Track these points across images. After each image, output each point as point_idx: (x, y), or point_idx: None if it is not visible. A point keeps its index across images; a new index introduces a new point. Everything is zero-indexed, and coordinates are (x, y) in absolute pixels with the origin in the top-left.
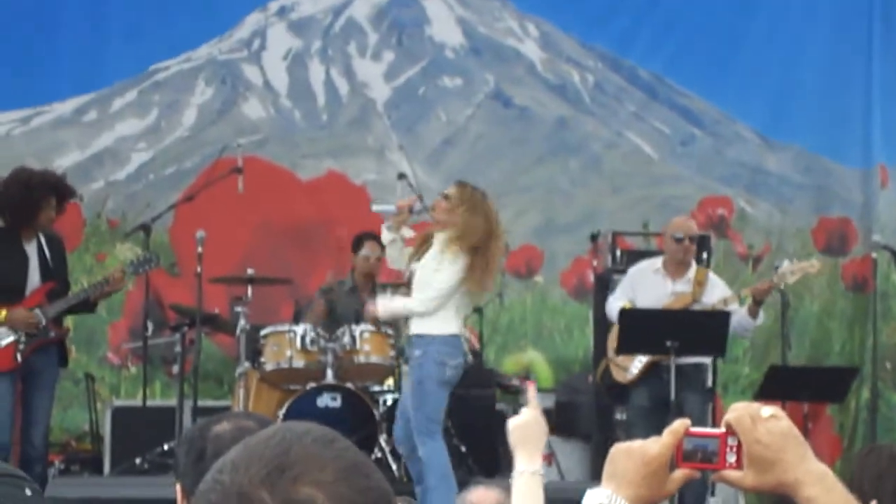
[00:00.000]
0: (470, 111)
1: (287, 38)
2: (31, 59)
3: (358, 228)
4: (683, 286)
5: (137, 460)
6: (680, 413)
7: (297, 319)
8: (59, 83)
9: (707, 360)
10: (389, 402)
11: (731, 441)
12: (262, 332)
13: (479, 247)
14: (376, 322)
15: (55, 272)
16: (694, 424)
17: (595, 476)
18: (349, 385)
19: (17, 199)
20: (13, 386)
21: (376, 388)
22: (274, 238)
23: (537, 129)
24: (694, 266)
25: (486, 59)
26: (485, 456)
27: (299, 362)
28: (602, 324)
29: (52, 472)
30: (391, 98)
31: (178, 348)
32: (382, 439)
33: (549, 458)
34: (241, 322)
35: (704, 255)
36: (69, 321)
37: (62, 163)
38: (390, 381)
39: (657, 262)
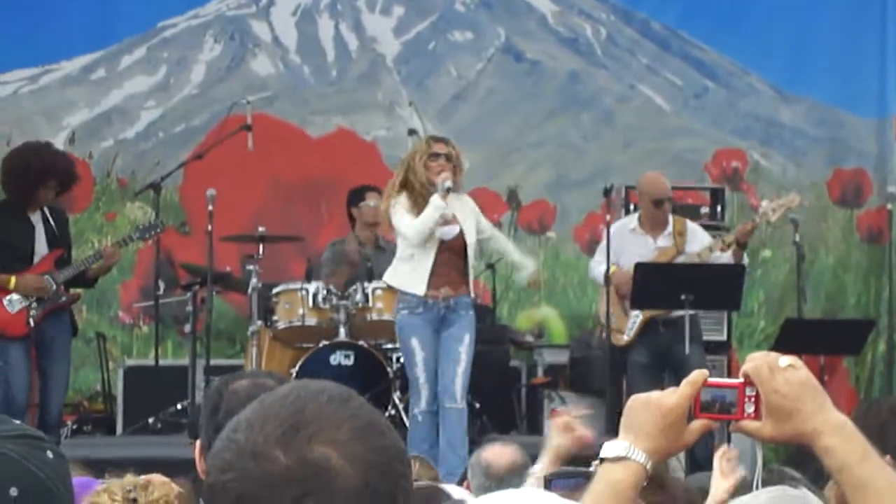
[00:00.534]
0: (480, 65)
1: None
2: (38, 18)
3: (368, 183)
4: (665, 240)
5: (150, 420)
6: (681, 366)
7: (308, 277)
8: (68, 41)
9: (698, 311)
10: (402, 360)
11: (748, 391)
12: (274, 291)
13: None
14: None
15: (61, 240)
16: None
17: (610, 431)
18: (362, 342)
19: (15, 180)
20: (27, 351)
21: (389, 346)
22: (284, 195)
23: (549, 83)
24: (671, 218)
25: (496, 13)
26: (499, 413)
27: (311, 320)
28: None
29: (64, 432)
30: (401, 53)
31: (189, 307)
32: (396, 396)
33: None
34: (253, 280)
35: (719, 209)
36: None
37: (71, 121)
38: None
39: (632, 220)
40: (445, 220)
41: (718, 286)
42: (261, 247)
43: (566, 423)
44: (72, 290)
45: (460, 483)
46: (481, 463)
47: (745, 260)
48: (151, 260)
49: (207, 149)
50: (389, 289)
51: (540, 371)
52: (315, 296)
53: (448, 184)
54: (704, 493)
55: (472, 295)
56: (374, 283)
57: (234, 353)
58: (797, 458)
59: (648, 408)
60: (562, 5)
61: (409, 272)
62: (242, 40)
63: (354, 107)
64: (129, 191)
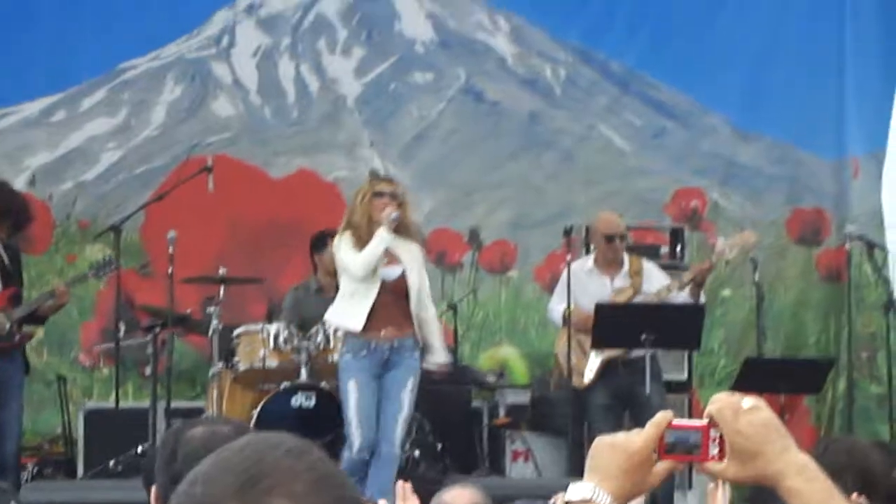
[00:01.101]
0: (441, 106)
1: (256, 35)
2: None
3: (329, 225)
4: (621, 280)
5: (111, 463)
6: (642, 406)
7: (270, 319)
8: (28, 83)
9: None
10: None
11: (713, 433)
12: (235, 332)
13: None
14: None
15: (14, 278)
16: (654, 415)
17: (571, 471)
18: (323, 384)
19: None
20: None
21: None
22: (246, 237)
23: (509, 124)
24: (626, 258)
25: (456, 54)
26: (461, 453)
27: (273, 362)
28: None
29: (24, 475)
30: (362, 94)
31: (150, 349)
32: None
33: (527, 454)
34: (214, 322)
35: (678, 248)
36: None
37: (31, 163)
38: None
39: (587, 261)
40: (389, 260)
41: (678, 326)
42: (222, 288)
43: None
44: (24, 328)
45: None
46: None
47: (703, 299)
48: (112, 302)
49: (168, 190)
50: (343, 337)
51: (502, 411)
52: (276, 337)
53: (394, 214)
54: None
55: (417, 335)
56: (326, 317)
57: (195, 395)
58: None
59: (614, 449)
60: (521, 46)
61: (348, 308)
62: (203, 82)
63: (315, 148)
64: (90, 233)
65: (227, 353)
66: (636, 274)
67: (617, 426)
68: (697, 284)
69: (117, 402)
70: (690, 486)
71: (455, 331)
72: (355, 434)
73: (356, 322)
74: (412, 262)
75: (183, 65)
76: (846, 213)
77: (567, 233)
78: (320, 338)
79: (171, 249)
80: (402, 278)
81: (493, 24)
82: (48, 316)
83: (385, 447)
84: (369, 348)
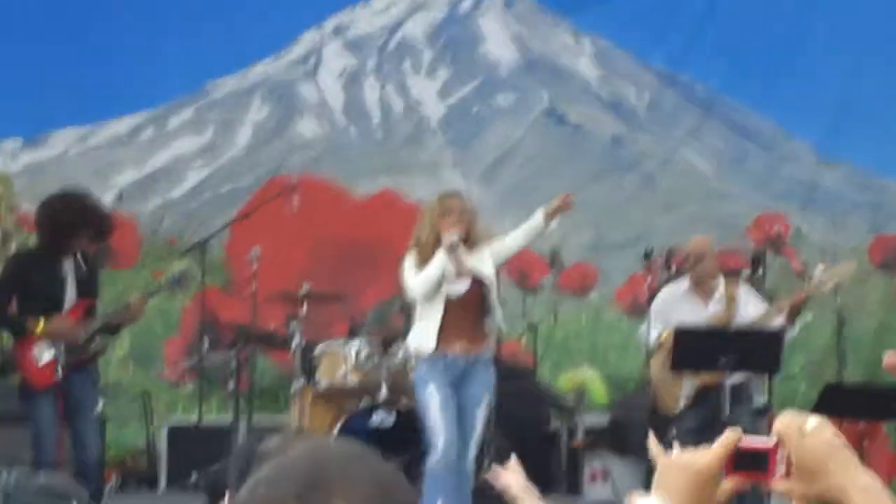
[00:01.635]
0: (524, 129)
1: (342, 57)
2: (87, 78)
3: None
4: (716, 306)
5: (192, 478)
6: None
7: (352, 336)
8: (116, 101)
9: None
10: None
11: (780, 452)
12: (317, 349)
13: None
14: None
15: (91, 289)
16: None
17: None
18: (404, 402)
19: (45, 228)
20: (54, 405)
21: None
22: (328, 255)
23: (591, 147)
24: (721, 281)
25: (540, 77)
26: (538, 474)
27: (353, 379)
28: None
29: (108, 489)
30: (445, 116)
31: (233, 365)
32: None
33: (605, 475)
34: (296, 339)
35: (760, 272)
36: (126, 339)
37: (119, 181)
38: None
39: (682, 284)
40: (458, 274)
41: (758, 349)
42: (304, 305)
43: None
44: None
45: None
46: None
47: (796, 327)
48: (196, 318)
49: (253, 209)
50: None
51: (580, 433)
52: (357, 355)
53: (453, 238)
54: None
55: (491, 349)
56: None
57: (277, 411)
58: None
59: (681, 468)
60: (605, 69)
61: (421, 330)
62: (289, 102)
63: (399, 168)
64: (176, 249)
65: (309, 370)
66: (731, 300)
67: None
68: (792, 313)
69: (200, 418)
70: None
71: (535, 352)
72: (440, 435)
73: (428, 342)
74: (482, 266)
75: (269, 85)
76: None
77: (647, 255)
78: (401, 355)
79: (254, 266)
80: (471, 291)
81: (578, 47)
82: (121, 328)
83: (460, 463)
84: (445, 362)
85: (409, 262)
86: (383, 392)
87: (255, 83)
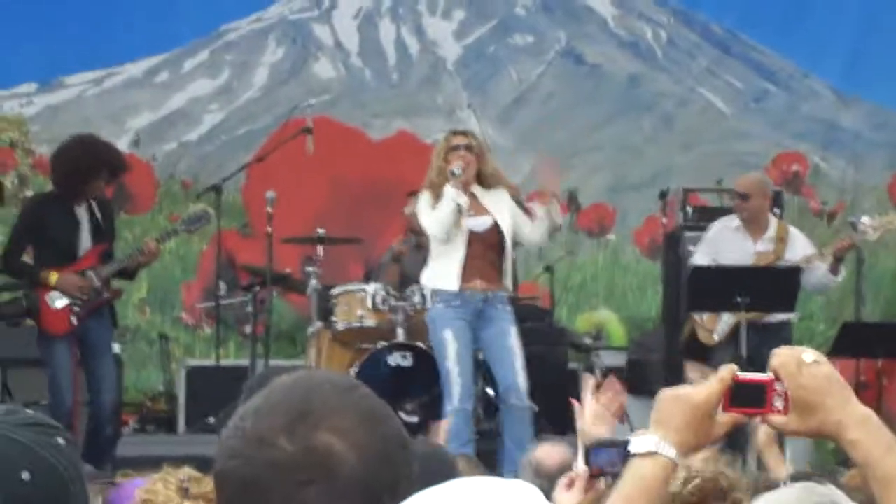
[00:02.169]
0: (541, 69)
1: None
2: (102, 21)
3: None
4: (765, 245)
5: (211, 419)
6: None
7: (367, 279)
8: (131, 44)
9: (793, 316)
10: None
11: (777, 386)
12: (333, 292)
13: None
14: None
15: (106, 234)
16: None
17: None
18: (420, 344)
19: (63, 173)
20: (70, 349)
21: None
22: (345, 198)
23: (609, 87)
24: (773, 221)
25: (557, 17)
26: (556, 415)
27: (370, 321)
28: (673, 281)
29: (126, 431)
30: (461, 57)
31: (250, 308)
32: None
33: (622, 416)
34: (313, 282)
35: (777, 211)
36: (143, 283)
37: (134, 124)
38: None
39: (734, 219)
40: (476, 211)
41: (774, 288)
42: (320, 248)
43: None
44: (112, 286)
45: None
46: (532, 462)
47: (842, 273)
48: (213, 261)
49: (269, 151)
50: (434, 291)
51: (598, 373)
52: (374, 297)
53: (456, 170)
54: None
55: (509, 290)
56: (422, 282)
57: (294, 354)
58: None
59: (678, 402)
60: (622, 9)
61: (441, 269)
62: (304, 44)
63: (415, 110)
64: (192, 193)
65: (326, 313)
66: (781, 240)
67: None
68: (837, 259)
69: (218, 360)
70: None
71: (552, 293)
72: (455, 384)
73: (450, 281)
74: (500, 208)
75: (285, 26)
76: None
77: (663, 196)
78: (417, 298)
79: (269, 209)
80: (493, 229)
81: None
82: (137, 271)
83: (514, 400)
84: (462, 298)
85: (424, 202)
86: (399, 334)
87: (270, 25)
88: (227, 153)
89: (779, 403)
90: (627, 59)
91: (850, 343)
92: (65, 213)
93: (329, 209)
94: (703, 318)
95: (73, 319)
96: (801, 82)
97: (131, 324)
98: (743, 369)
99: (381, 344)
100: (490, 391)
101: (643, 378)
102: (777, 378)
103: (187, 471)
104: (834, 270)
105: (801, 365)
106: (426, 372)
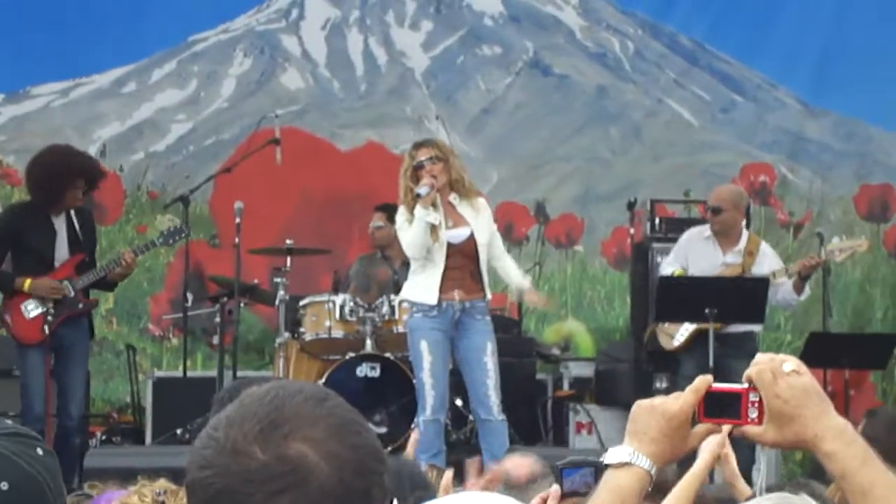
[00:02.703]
0: (509, 80)
1: (325, 8)
2: (70, 31)
3: (397, 198)
4: (734, 257)
5: (178, 431)
6: (726, 380)
7: (336, 290)
8: (99, 54)
9: (757, 327)
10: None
11: (752, 397)
12: (302, 303)
13: None
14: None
15: (84, 245)
16: None
17: None
18: (388, 355)
19: (39, 182)
20: (43, 358)
21: (411, 358)
22: (313, 209)
23: (577, 98)
24: (745, 234)
25: (524, 27)
26: (525, 425)
27: (338, 332)
28: (641, 292)
29: (93, 443)
30: (429, 67)
31: (217, 319)
32: None
33: (591, 426)
34: (281, 293)
35: (744, 223)
36: (111, 294)
37: (102, 134)
38: None
39: (707, 228)
40: (455, 222)
41: (742, 299)
42: (289, 259)
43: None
44: (90, 296)
45: None
46: (500, 473)
47: (806, 292)
48: (181, 272)
49: (236, 162)
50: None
51: (566, 384)
52: (342, 308)
53: (423, 190)
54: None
55: (488, 299)
56: (400, 296)
57: (262, 365)
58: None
59: (653, 413)
60: (590, 20)
61: (421, 283)
62: (272, 54)
63: (383, 121)
64: (159, 203)
65: (294, 324)
66: (750, 254)
67: None
68: (803, 278)
69: (185, 371)
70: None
71: (520, 304)
72: (429, 395)
73: (429, 295)
74: (477, 219)
75: (252, 37)
76: None
77: (630, 206)
78: (385, 309)
79: (238, 220)
80: (471, 240)
81: None
82: (117, 282)
83: (483, 414)
84: (440, 308)
85: (400, 218)
86: (368, 345)
87: (237, 35)
88: (194, 164)
89: (753, 414)
90: (595, 70)
91: (817, 353)
92: (42, 223)
93: (297, 220)
94: (665, 324)
95: (46, 329)
96: (768, 93)
97: (98, 335)
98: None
99: (350, 355)
100: (458, 402)
101: (611, 389)
102: (752, 388)
103: (163, 483)
104: (798, 289)
105: (778, 375)
106: (394, 383)
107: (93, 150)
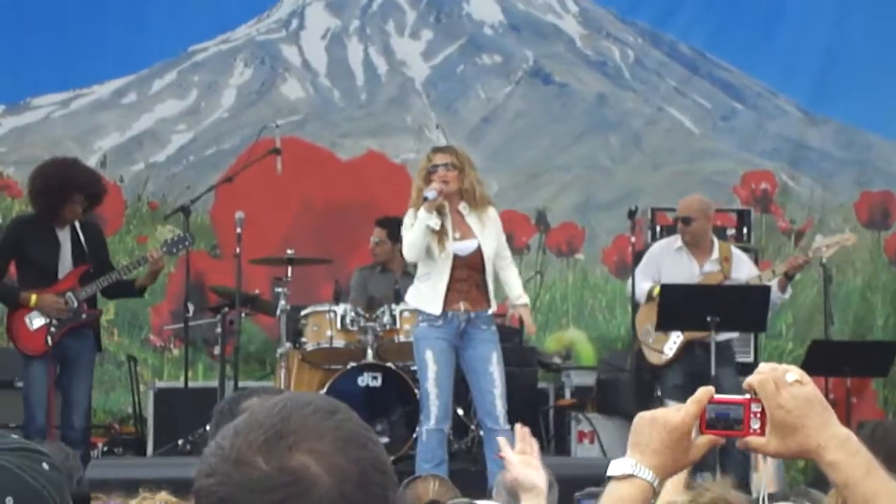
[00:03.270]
0: (509, 88)
1: (325, 18)
2: (70, 42)
3: (398, 207)
4: (712, 265)
5: (180, 441)
6: (717, 389)
7: (337, 299)
8: (99, 65)
9: (734, 335)
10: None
11: (754, 408)
12: (303, 313)
13: None
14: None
15: (90, 256)
16: None
17: None
18: (389, 364)
19: (41, 195)
20: (47, 369)
21: (416, 368)
22: (314, 218)
23: (577, 106)
24: (716, 243)
25: (524, 36)
26: None
27: (340, 342)
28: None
29: (95, 454)
30: (430, 76)
31: (218, 329)
32: None
33: (592, 435)
34: (282, 302)
35: (745, 230)
36: (111, 305)
37: (102, 145)
38: None
39: (676, 241)
40: (462, 234)
41: (744, 307)
42: (290, 269)
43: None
44: (97, 307)
45: None
46: (506, 482)
47: (789, 290)
48: (182, 283)
49: (237, 172)
50: (416, 310)
51: (567, 393)
52: (343, 318)
53: (430, 194)
54: None
55: (493, 310)
56: (402, 306)
57: (263, 375)
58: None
59: (655, 425)
60: (590, 28)
61: (426, 292)
62: (272, 64)
63: (384, 130)
64: (160, 214)
65: (295, 334)
66: (726, 260)
67: None
68: (788, 277)
69: (186, 381)
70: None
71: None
72: (433, 405)
73: (434, 305)
74: (484, 232)
75: (253, 47)
76: None
77: (631, 215)
78: (386, 318)
79: (238, 230)
80: (478, 252)
81: (562, 6)
82: (146, 287)
83: (490, 424)
84: (445, 318)
85: (406, 220)
86: (369, 355)
87: (237, 46)
88: (195, 174)
89: (756, 425)
90: (595, 78)
91: (818, 361)
92: (45, 235)
93: (298, 230)
94: (650, 340)
95: (49, 340)
96: (769, 101)
97: None
98: (694, 387)
99: (351, 364)
100: (460, 411)
101: (613, 397)
102: (754, 399)
103: (164, 496)
104: (782, 287)
105: (781, 385)
106: (396, 392)
107: (93, 161)
